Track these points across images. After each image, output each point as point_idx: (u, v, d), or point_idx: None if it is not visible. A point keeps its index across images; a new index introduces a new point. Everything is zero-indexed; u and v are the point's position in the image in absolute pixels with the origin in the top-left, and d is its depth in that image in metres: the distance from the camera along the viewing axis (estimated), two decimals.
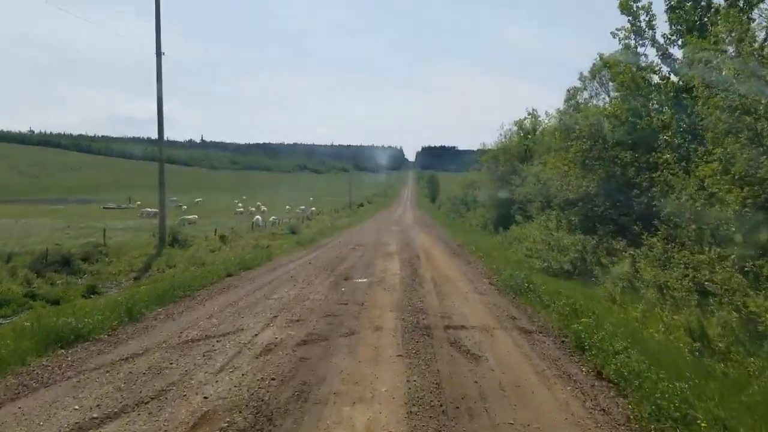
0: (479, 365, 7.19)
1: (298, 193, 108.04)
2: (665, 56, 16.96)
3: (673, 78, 17.32)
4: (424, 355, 7.54)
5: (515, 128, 33.56)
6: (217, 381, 6.47)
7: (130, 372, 6.82)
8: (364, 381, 6.51)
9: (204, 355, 7.51)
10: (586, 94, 22.02)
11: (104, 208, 74.25)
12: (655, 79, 17.53)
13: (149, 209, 61.96)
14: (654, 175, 15.04)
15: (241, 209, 65.81)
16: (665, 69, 17.17)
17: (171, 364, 7.14)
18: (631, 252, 14.99)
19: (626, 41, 18.52)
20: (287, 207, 72.15)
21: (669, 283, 11.99)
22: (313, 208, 65.58)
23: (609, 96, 21.22)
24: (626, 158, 17.11)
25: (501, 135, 34.80)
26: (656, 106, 17.69)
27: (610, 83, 21.13)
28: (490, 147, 37.80)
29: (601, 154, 17.93)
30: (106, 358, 7.42)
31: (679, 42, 16.71)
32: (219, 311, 10.47)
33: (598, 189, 17.68)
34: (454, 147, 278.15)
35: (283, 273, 15.63)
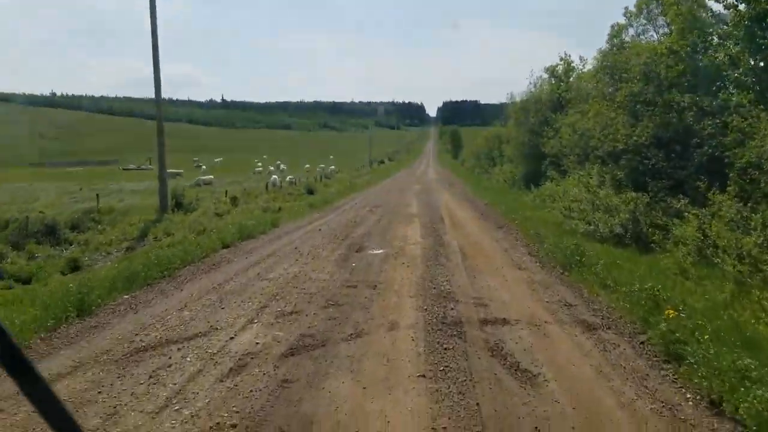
0: (537, 392, 4.92)
1: (319, 151, 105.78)
2: None
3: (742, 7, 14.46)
4: (456, 375, 5.29)
5: (546, 76, 30.54)
6: (151, 430, 4.33)
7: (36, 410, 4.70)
8: (368, 428, 4.32)
9: (151, 377, 5.36)
10: (631, 32, 19.08)
11: (123, 169, 73.00)
12: (718, 8, 14.71)
13: (168, 170, 60.43)
14: (727, 119, 12.47)
15: (260, 169, 63.82)
16: None
17: (100, 393, 5.00)
18: (695, 212, 12.56)
19: None
20: (307, 165, 70.09)
21: (753, 252, 9.64)
22: (333, 167, 63.33)
23: (658, 34, 18.33)
24: (685, 102, 14.47)
25: (530, 83, 31.77)
26: (719, 40, 14.90)
27: (660, 18, 18.22)
28: (516, 99, 34.82)
29: (654, 97, 15.27)
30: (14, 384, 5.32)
31: None
32: (197, 299, 8.33)
33: (650, 138, 15.08)
34: (476, 101, 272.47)
35: (287, 243, 13.46)
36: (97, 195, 22.63)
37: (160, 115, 21.40)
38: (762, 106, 11.90)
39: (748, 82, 12.99)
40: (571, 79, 29.54)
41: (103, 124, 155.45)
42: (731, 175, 12.34)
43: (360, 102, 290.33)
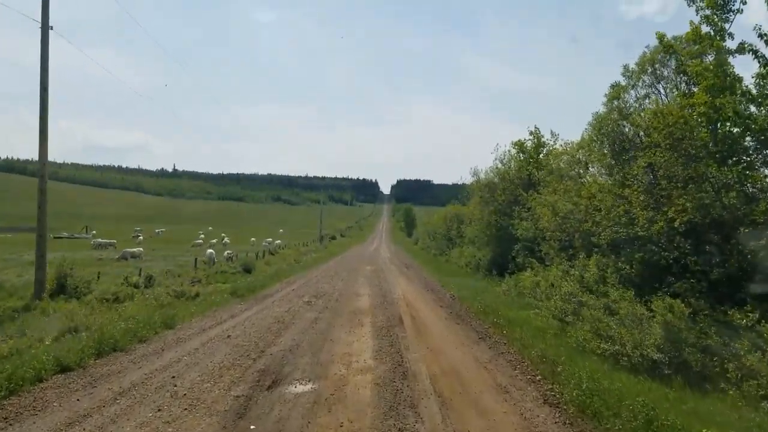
0: None
1: (269, 225, 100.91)
2: None
3: None
4: None
5: (514, 151, 27.15)
6: None
7: None
8: None
9: None
10: (633, 94, 15.56)
11: (55, 237, 66.50)
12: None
13: (101, 240, 54.83)
14: None
15: (200, 241, 58.44)
16: None
17: None
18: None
19: (704, 11, 12.29)
20: (252, 239, 65.18)
21: None
22: (279, 241, 58.42)
23: (668, 95, 14.87)
24: (731, 176, 10.66)
25: (496, 159, 28.31)
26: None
27: (670, 77, 14.82)
28: (480, 176, 31.22)
29: (683, 171, 11.46)
30: None
31: None
32: None
33: (684, 224, 11.12)
34: (429, 181, 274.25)
35: (166, 364, 8.58)
36: None
37: (43, 173, 16.55)
38: None
39: None
40: (541, 155, 26.19)
41: (48, 190, 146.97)
42: None
43: (314, 177, 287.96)
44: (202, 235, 68.53)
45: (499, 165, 28.02)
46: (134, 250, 41.17)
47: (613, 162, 14.30)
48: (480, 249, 29.32)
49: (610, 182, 13.69)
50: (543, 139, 26.48)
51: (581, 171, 19.09)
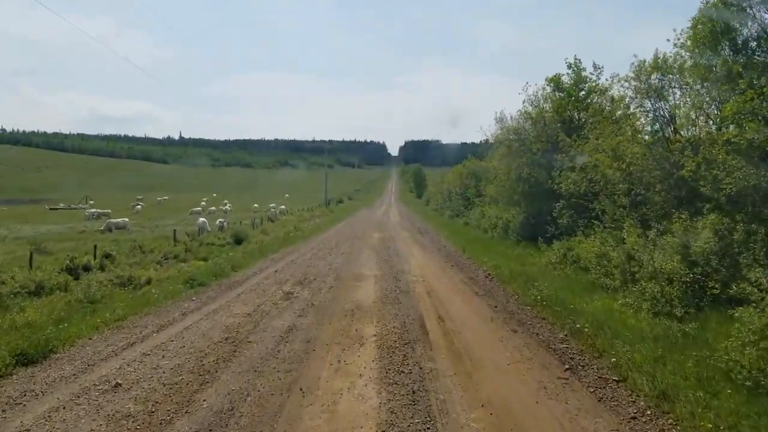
0: None
1: (276, 190, 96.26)
2: None
3: None
4: None
5: (549, 89, 21.71)
6: None
7: None
8: None
9: None
10: None
11: (49, 209, 62.84)
12: None
13: (95, 210, 50.69)
14: None
15: (199, 209, 53.83)
16: None
17: None
18: None
19: None
20: (255, 205, 60.71)
21: None
22: (283, 207, 53.60)
23: None
24: None
25: (525, 102, 22.79)
26: None
27: None
28: (508, 122, 25.70)
29: None
30: None
31: None
32: None
33: None
34: (438, 140, 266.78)
35: None
36: None
37: None
38: None
39: None
40: (582, 92, 20.84)
41: (51, 161, 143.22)
42: None
43: (321, 140, 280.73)
44: (203, 203, 64.00)
45: (530, 108, 22.62)
46: (119, 221, 36.65)
47: (741, 70, 9.13)
48: (507, 209, 24.21)
49: (750, 100, 8.46)
50: (584, 74, 21.04)
51: (653, 101, 13.95)
